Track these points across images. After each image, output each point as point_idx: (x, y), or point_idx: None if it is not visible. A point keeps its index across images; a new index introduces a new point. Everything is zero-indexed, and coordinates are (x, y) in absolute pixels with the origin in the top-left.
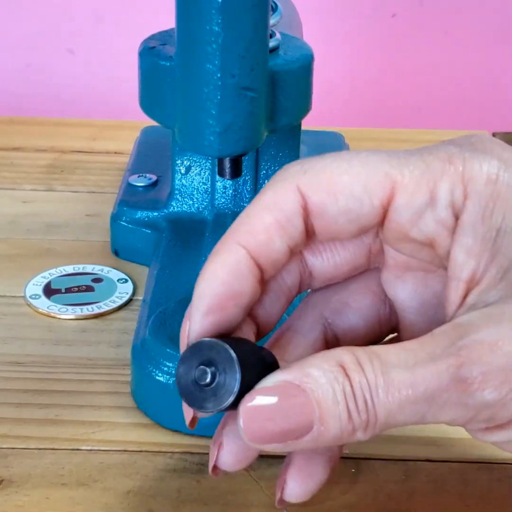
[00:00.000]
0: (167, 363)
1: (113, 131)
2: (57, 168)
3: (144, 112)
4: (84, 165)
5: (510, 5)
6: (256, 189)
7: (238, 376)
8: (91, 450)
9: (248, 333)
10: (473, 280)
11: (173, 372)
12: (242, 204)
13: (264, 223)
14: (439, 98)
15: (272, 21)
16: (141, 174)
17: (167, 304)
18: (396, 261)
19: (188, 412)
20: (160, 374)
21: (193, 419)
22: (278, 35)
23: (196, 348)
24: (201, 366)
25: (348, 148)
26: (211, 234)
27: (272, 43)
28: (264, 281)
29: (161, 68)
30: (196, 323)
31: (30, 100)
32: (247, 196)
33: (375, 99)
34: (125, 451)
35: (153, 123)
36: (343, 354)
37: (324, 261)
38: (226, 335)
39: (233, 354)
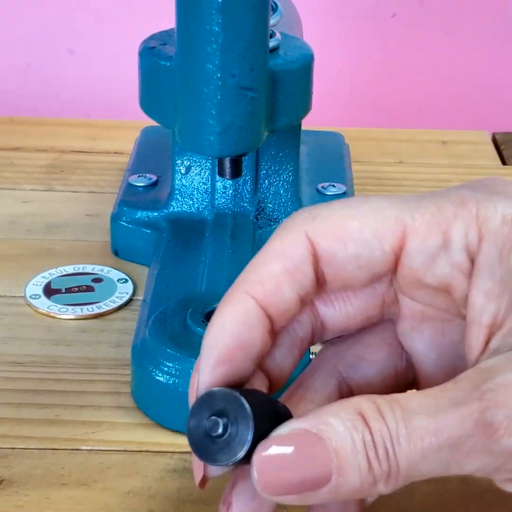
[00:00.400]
0: (167, 363)
1: (113, 131)
2: (57, 168)
3: (144, 112)
4: (84, 165)
5: (510, 5)
6: (256, 189)
7: (251, 424)
8: (91, 450)
9: (260, 387)
10: (494, 324)
11: (173, 372)
12: (242, 204)
13: (273, 271)
14: (439, 98)
15: (272, 21)
16: (141, 174)
17: (167, 304)
18: (411, 311)
19: (198, 470)
20: (160, 374)
21: (204, 478)
22: (278, 35)
23: (206, 398)
24: (213, 417)
25: (348, 148)
26: (211, 234)
27: (272, 43)
28: (274, 332)
29: (161, 68)
30: (206, 375)
31: (30, 100)
32: (247, 196)
33: (375, 99)
34: (125, 451)
35: (153, 123)
36: (362, 402)
37: (336, 311)
38: (237, 387)
39: (246, 403)
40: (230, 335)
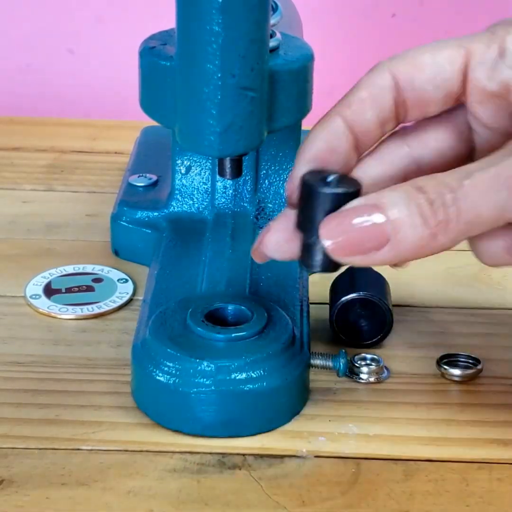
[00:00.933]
0: (168, 363)
1: (113, 131)
2: (57, 168)
3: (144, 112)
4: (84, 165)
5: (510, 5)
6: (256, 189)
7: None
8: (91, 450)
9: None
10: None
11: (173, 372)
12: (242, 204)
13: (359, 97)
14: None
15: (272, 21)
16: (141, 174)
17: (167, 304)
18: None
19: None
20: (160, 374)
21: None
22: (278, 35)
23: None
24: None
25: None
26: (212, 234)
27: (272, 43)
28: (359, 150)
29: (161, 68)
30: (300, 169)
31: (30, 100)
32: (247, 196)
33: None
34: (125, 451)
35: (153, 123)
36: (420, 179)
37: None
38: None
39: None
40: (321, 140)
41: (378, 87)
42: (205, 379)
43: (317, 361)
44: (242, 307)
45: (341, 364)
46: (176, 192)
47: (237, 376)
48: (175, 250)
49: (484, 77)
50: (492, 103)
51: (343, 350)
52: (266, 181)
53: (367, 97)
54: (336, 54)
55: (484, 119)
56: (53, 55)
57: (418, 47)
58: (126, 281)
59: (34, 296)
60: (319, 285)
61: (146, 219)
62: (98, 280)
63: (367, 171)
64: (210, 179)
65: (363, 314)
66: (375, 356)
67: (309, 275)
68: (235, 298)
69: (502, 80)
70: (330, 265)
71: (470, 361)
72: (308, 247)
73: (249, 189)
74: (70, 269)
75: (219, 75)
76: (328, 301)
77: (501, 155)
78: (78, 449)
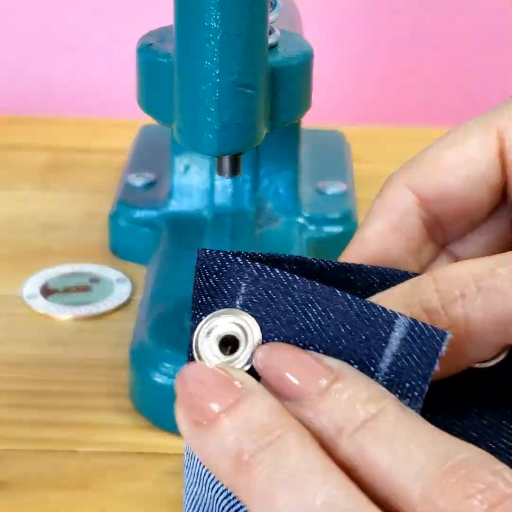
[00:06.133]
0: (166, 365)
1: (111, 130)
2: (55, 167)
3: (142, 110)
4: (82, 164)
5: (509, 5)
6: (256, 189)
7: None
8: (89, 452)
9: None
10: None
11: (172, 373)
12: (241, 203)
13: (375, 231)
14: (441, 96)
15: (271, 17)
16: (139, 173)
17: (166, 304)
18: None
19: None
20: (158, 376)
21: None
22: (277, 32)
23: None
24: None
25: (348, 146)
26: (211, 233)
27: (271, 40)
28: None
29: (159, 65)
30: None
31: (27, 98)
32: (247, 196)
33: (376, 97)
34: (122, 453)
35: (152, 121)
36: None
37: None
38: None
39: None
40: None
41: (398, 212)
42: None
43: None
44: None
45: None
46: (175, 191)
47: None
48: (174, 250)
49: None
50: None
51: None
52: (266, 180)
53: (386, 229)
54: (336, 51)
55: None
56: (51, 53)
57: (436, 143)
58: (125, 281)
59: (31, 296)
60: None
61: (145, 218)
62: (96, 280)
63: None
64: (209, 178)
65: None
66: None
67: None
68: None
69: None
70: None
71: None
72: None
73: (248, 189)
74: (67, 269)
75: (217, 72)
76: None
77: None
78: (75, 451)
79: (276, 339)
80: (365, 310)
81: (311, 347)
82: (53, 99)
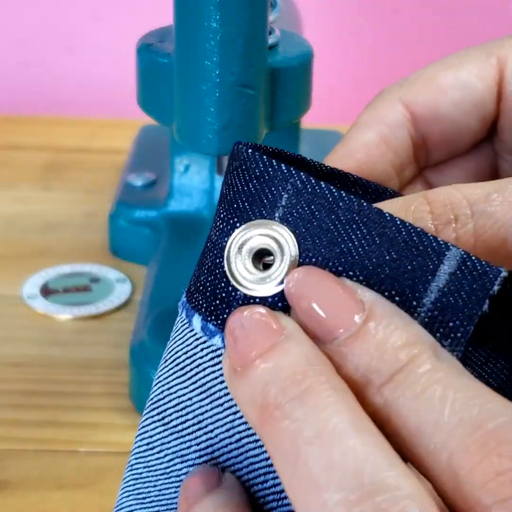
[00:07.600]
0: None
1: (111, 130)
2: (55, 167)
3: (142, 110)
4: (82, 164)
5: (509, 3)
6: None
7: None
8: (89, 452)
9: None
10: None
11: None
12: None
13: (364, 141)
14: None
15: (271, 17)
16: (139, 173)
17: (166, 304)
18: None
19: None
20: None
21: None
22: (277, 32)
23: None
24: None
25: None
26: None
27: (271, 40)
28: None
29: (159, 65)
30: None
31: (28, 98)
32: None
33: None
34: (122, 453)
35: (152, 121)
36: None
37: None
38: None
39: None
40: None
41: (388, 125)
42: None
43: None
44: None
45: None
46: (175, 191)
47: None
48: (174, 249)
49: None
50: None
51: None
52: None
53: (375, 140)
54: (336, 51)
55: None
56: (51, 53)
57: (433, 64)
58: (125, 281)
59: (31, 296)
60: None
61: (145, 218)
62: (96, 280)
63: None
64: (209, 178)
65: None
66: None
67: None
68: None
69: None
70: None
71: None
72: None
73: None
74: (67, 269)
75: (217, 72)
76: None
77: None
78: (76, 451)
79: (313, 259)
80: (415, 237)
81: (351, 273)
82: (53, 99)
